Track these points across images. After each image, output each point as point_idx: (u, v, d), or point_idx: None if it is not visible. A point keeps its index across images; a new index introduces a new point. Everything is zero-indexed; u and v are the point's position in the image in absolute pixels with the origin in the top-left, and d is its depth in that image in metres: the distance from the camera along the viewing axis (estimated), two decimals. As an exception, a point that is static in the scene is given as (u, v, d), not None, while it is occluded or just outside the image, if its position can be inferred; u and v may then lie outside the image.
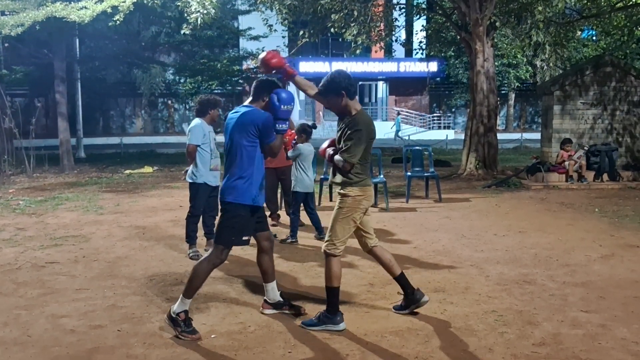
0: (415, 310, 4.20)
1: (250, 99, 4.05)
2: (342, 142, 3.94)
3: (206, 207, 5.98)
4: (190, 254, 5.94)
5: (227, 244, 3.93)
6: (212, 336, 3.84)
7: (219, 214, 4.03)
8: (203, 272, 3.90)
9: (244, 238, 3.96)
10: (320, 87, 3.99)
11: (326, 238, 4.01)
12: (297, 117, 35.09)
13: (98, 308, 4.40)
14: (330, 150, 4.10)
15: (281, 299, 4.28)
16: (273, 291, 4.27)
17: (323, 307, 4.32)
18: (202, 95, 6.15)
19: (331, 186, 9.75)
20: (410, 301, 4.18)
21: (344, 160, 3.88)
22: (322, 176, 9.38)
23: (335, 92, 3.91)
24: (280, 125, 3.94)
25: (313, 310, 4.32)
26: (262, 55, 4.06)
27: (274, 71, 4.07)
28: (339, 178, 4.00)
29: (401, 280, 4.19)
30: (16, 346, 3.69)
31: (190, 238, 6.01)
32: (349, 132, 3.88)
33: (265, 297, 4.31)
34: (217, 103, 5.96)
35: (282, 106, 3.89)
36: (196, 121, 5.87)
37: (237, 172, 3.90)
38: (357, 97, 4.02)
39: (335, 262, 3.95)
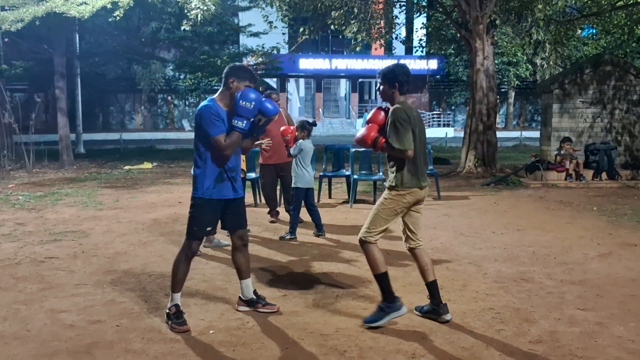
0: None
1: (220, 88, 4.02)
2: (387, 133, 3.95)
3: None
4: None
5: (190, 235, 3.97)
6: (211, 332, 3.85)
7: None
8: (180, 264, 3.97)
9: (208, 229, 4.02)
10: (380, 71, 4.07)
11: (364, 226, 4.00)
12: (296, 114, 35.12)
13: (97, 303, 4.42)
14: (374, 134, 3.99)
15: (254, 297, 4.25)
16: (247, 288, 4.25)
17: (321, 306, 4.35)
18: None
19: (330, 183, 9.78)
20: (433, 312, 4.09)
21: (398, 150, 3.87)
22: (322, 173, 9.40)
23: (390, 82, 4.00)
24: (236, 121, 3.80)
25: (312, 306, 4.34)
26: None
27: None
28: (390, 178, 4.00)
29: (432, 287, 4.10)
30: (15, 340, 3.71)
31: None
32: (389, 123, 3.91)
33: (239, 295, 4.30)
34: None
35: (240, 101, 3.78)
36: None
37: (194, 164, 3.97)
38: (406, 95, 4.06)
39: (373, 248, 3.95)
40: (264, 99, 3.94)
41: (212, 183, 3.91)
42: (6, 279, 5.05)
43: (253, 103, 3.80)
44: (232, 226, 4.16)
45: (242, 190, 4.12)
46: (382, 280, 3.97)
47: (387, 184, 4.05)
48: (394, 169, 3.98)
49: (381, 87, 4.07)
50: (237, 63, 4.19)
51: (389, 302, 3.95)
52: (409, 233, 4.11)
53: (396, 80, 3.98)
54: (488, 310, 4.26)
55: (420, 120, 4.05)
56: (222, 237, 5.91)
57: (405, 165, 3.94)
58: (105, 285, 4.86)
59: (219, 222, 4.16)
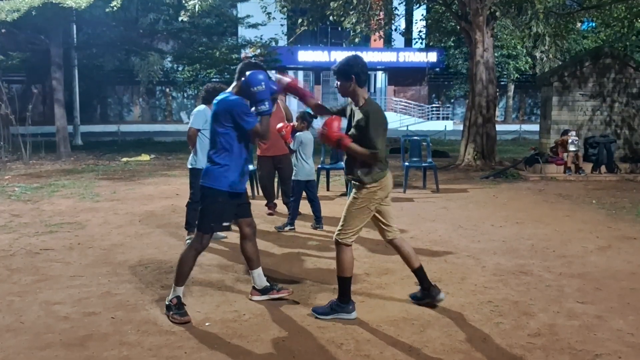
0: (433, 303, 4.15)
1: (234, 82, 4.01)
2: (352, 130, 3.86)
3: None
4: (188, 240, 5.89)
5: (206, 230, 3.93)
6: (207, 324, 3.82)
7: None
8: (188, 258, 3.93)
9: (224, 224, 3.97)
10: (333, 68, 3.96)
11: (338, 227, 3.96)
12: (295, 107, 35.03)
13: (92, 295, 4.38)
14: (340, 133, 3.85)
15: (268, 284, 4.27)
16: (259, 277, 4.26)
17: (318, 294, 4.32)
18: (209, 84, 6.03)
19: (328, 175, 9.74)
20: (426, 296, 4.14)
21: (373, 153, 3.78)
22: (319, 165, 9.36)
23: (346, 77, 3.88)
24: (260, 107, 3.83)
25: (309, 298, 4.31)
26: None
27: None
28: (357, 173, 3.89)
29: (419, 273, 4.13)
30: (9, 332, 3.67)
31: (189, 225, 5.95)
32: (362, 124, 3.79)
33: (253, 284, 4.29)
34: (219, 91, 5.83)
35: (251, 88, 3.79)
36: (201, 107, 5.82)
37: (214, 159, 3.91)
38: (366, 87, 3.96)
39: (346, 251, 3.92)
40: (250, 77, 3.91)
41: (238, 176, 3.91)
42: (1, 270, 5.01)
43: (263, 83, 3.82)
44: (242, 215, 4.16)
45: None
46: (345, 283, 3.95)
47: (355, 182, 3.94)
48: (362, 166, 3.87)
49: (338, 84, 3.93)
50: (252, 61, 4.19)
51: (343, 303, 3.92)
52: (383, 226, 4.07)
53: (352, 72, 3.84)
54: (487, 303, 4.23)
55: (382, 111, 3.97)
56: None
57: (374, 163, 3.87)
58: (100, 277, 4.83)
59: None
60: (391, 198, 4.13)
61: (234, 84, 3.98)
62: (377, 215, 4.02)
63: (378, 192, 3.92)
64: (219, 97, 3.94)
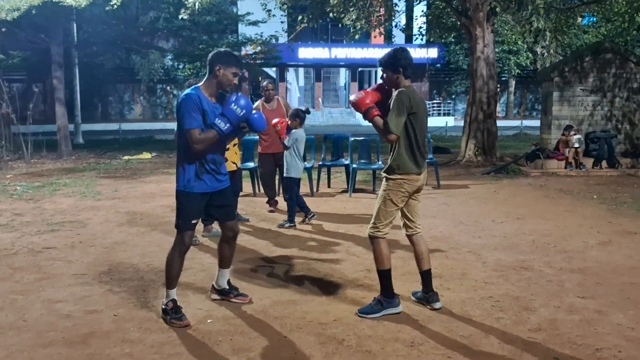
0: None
1: (206, 75, 3.87)
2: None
3: None
4: (204, 235, 5.97)
5: (178, 227, 3.92)
6: (209, 321, 3.83)
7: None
8: (174, 260, 3.87)
9: (193, 222, 3.91)
10: (380, 59, 3.99)
11: (371, 222, 3.98)
12: (296, 104, 34.99)
13: (94, 293, 4.40)
14: (369, 104, 3.92)
15: (227, 287, 4.22)
16: (222, 278, 4.21)
17: (319, 291, 4.33)
18: (190, 80, 5.87)
19: (329, 172, 9.74)
20: (424, 299, 4.14)
21: (386, 126, 3.82)
22: (321, 162, 9.37)
23: (393, 69, 3.92)
24: (219, 122, 3.64)
25: (310, 294, 4.32)
26: None
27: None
28: (388, 165, 3.94)
29: (425, 276, 4.12)
30: (12, 331, 3.69)
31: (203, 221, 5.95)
32: (392, 102, 3.85)
33: (213, 282, 4.27)
34: None
35: (232, 104, 3.67)
36: None
37: (177, 160, 3.90)
38: (410, 79, 3.98)
39: (382, 244, 3.93)
40: (254, 113, 3.86)
41: (192, 176, 3.81)
42: (3, 269, 5.03)
43: (243, 111, 3.70)
44: (221, 217, 4.12)
45: (227, 181, 4.01)
46: (385, 276, 3.96)
47: (383, 172, 4.00)
48: (392, 154, 3.94)
49: (384, 75, 4.00)
50: (222, 49, 3.96)
51: (389, 297, 3.94)
52: (406, 221, 4.11)
53: (399, 65, 3.91)
54: (487, 299, 4.24)
55: (424, 105, 4.00)
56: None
57: (404, 151, 3.89)
58: (102, 275, 4.84)
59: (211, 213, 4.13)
60: (422, 194, 4.12)
61: (205, 76, 3.83)
62: (403, 208, 4.04)
63: (404, 184, 3.92)
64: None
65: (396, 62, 3.91)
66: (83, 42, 20.28)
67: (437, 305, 4.06)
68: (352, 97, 4.02)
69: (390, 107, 3.85)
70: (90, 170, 12.43)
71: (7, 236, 6.23)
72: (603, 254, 5.46)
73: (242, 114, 3.71)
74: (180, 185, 3.86)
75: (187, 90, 3.77)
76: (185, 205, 3.89)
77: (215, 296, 4.23)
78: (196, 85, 3.82)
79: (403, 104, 3.81)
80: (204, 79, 3.85)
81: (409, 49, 4.30)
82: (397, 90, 3.90)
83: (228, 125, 3.68)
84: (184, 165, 3.82)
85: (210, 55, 3.83)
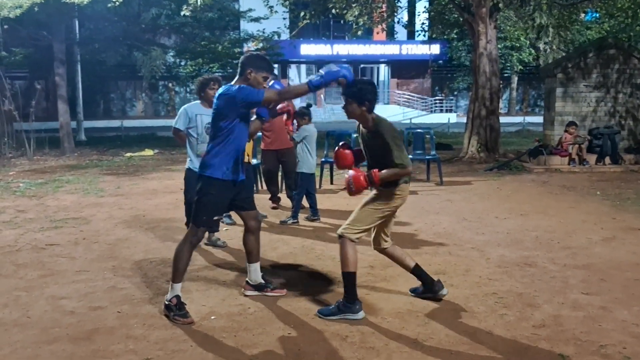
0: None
1: (236, 77, 3.94)
2: (372, 153, 3.86)
3: None
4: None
5: (199, 222, 3.89)
6: (212, 318, 3.84)
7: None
8: (183, 253, 3.87)
9: (215, 218, 3.92)
10: (345, 89, 3.82)
11: (347, 222, 3.92)
12: (298, 100, 34.96)
13: (98, 290, 4.40)
14: (366, 179, 3.83)
15: (263, 281, 4.25)
16: (255, 272, 4.24)
17: (321, 288, 4.33)
18: (200, 77, 5.87)
19: (332, 169, 9.74)
20: (429, 291, 4.13)
21: (402, 167, 3.76)
22: (323, 159, 9.36)
23: (359, 101, 3.80)
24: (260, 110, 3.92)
25: (314, 291, 4.32)
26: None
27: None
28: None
29: (417, 272, 4.13)
30: (16, 327, 3.69)
31: (187, 222, 5.68)
32: (380, 143, 3.77)
33: (247, 278, 4.28)
34: (206, 84, 5.41)
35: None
36: (186, 105, 5.61)
37: (212, 151, 3.87)
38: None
39: (350, 246, 3.87)
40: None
41: (231, 165, 3.85)
42: (7, 265, 5.04)
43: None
44: (243, 208, 4.15)
45: (244, 173, 4.08)
46: (350, 279, 3.88)
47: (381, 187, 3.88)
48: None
49: (346, 105, 3.85)
50: (254, 52, 4.13)
51: (349, 302, 3.85)
52: (382, 235, 4.06)
53: (366, 99, 3.78)
54: (491, 295, 4.24)
55: (392, 124, 3.95)
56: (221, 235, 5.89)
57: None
58: (106, 272, 4.85)
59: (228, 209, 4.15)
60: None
61: (237, 78, 3.92)
62: (383, 224, 4.00)
63: (397, 200, 3.90)
64: (220, 91, 3.87)
65: (364, 95, 3.79)
66: (85, 39, 20.27)
67: (444, 291, 4.09)
68: (348, 188, 3.90)
69: (388, 141, 3.74)
70: (92, 167, 12.44)
71: (10, 233, 6.24)
72: (607, 250, 5.45)
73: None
74: (218, 174, 3.82)
75: (230, 85, 3.85)
76: (215, 197, 3.86)
77: (250, 292, 4.23)
78: (230, 84, 3.90)
79: (396, 137, 3.76)
80: (236, 80, 3.92)
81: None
82: (375, 128, 3.80)
83: (265, 113, 3.95)
84: (223, 155, 3.83)
85: (242, 57, 3.97)
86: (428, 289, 4.13)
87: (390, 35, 27.37)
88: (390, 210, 3.93)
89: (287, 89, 3.88)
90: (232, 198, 3.99)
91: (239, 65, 3.91)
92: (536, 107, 38.92)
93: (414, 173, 10.19)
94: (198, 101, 5.56)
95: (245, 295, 4.22)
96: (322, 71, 3.70)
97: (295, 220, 6.63)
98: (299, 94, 3.84)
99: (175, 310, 3.79)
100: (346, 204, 7.87)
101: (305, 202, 6.98)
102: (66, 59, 16.48)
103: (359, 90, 3.80)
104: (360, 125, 3.95)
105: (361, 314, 3.84)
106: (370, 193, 3.98)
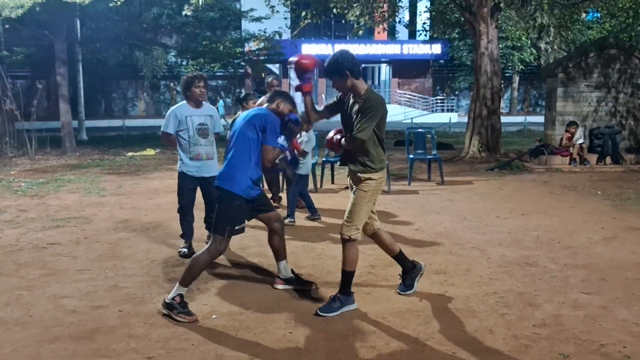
0: (418, 290, 4.25)
1: (266, 103, 4.14)
2: (355, 123, 3.83)
3: (205, 200, 5.49)
4: (183, 249, 5.36)
5: (223, 232, 3.89)
6: (214, 317, 3.85)
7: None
8: (202, 262, 3.89)
9: (237, 227, 3.95)
10: (324, 69, 3.87)
11: (347, 222, 3.93)
12: (299, 99, 34.92)
13: (99, 289, 4.42)
14: (337, 136, 4.06)
15: (292, 276, 4.43)
16: (285, 269, 4.41)
17: (322, 286, 4.33)
18: (184, 75, 5.51)
19: (333, 168, 9.74)
20: (414, 272, 4.27)
21: (353, 139, 3.80)
22: (324, 159, 9.36)
23: (339, 74, 3.82)
24: (283, 140, 4.02)
25: (315, 290, 4.33)
26: (295, 58, 4.01)
27: (304, 73, 3.98)
28: (359, 166, 3.90)
29: (400, 258, 4.26)
30: (17, 326, 3.71)
31: (182, 233, 5.50)
32: (362, 111, 3.78)
33: (278, 275, 4.43)
34: (190, 82, 5.20)
35: (290, 123, 4.03)
36: (173, 107, 5.38)
37: (234, 162, 3.92)
38: (361, 78, 3.93)
39: (354, 247, 3.93)
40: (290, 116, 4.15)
41: (251, 183, 3.96)
42: (8, 265, 5.05)
43: (298, 129, 4.19)
44: (264, 210, 4.31)
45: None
46: (350, 277, 3.98)
47: (363, 175, 3.90)
48: (365, 156, 3.86)
49: (333, 84, 3.90)
50: (284, 91, 4.45)
51: (346, 295, 3.96)
52: (372, 215, 4.11)
53: (344, 68, 3.79)
54: (492, 295, 4.24)
55: (385, 106, 3.95)
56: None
57: (374, 149, 3.86)
58: (107, 271, 4.86)
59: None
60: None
61: (266, 104, 4.11)
62: None
63: (382, 182, 3.98)
64: (256, 110, 4.11)
65: (340, 66, 3.79)
66: (86, 38, 20.28)
67: (421, 264, 4.34)
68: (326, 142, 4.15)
69: (362, 112, 3.77)
70: (94, 166, 12.46)
71: (12, 232, 6.25)
72: (607, 250, 5.45)
73: (295, 133, 4.20)
74: (239, 190, 3.90)
75: (264, 109, 4.06)
76: (237, 211, 3.95)
77: (281, 286, 4.39)
78: (264, 108, 4.11)
79: (377, 114, 3.77)
80: (267, 105, 4.13)
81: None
82: (364, 97, 3.82)
83: (285, 143, 4.09)
84: (247, 172, 3.94)
85: (274, 91, 4.37)
86: (412, 274, 4.27)
87: (392, 35, 27.42)
88: (378, 194, 4.01)
89: (273, 155, 4.00)
90: (252, 207, 4.15)
91: (270, 95, 4.23)
92: (537, 107, 38.89)
93: (416, 172, 10.20)
94: (184, 102, 5.34)
95: (276, 289, 4.36)
96: (280, 140, 4.01)
97: (292, 220, 6.62)
98: (275, 157, 4.05)
99: (179, 308, 3.81)
100: (347, 203, 7.88)
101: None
102: (67, 59, 16.51)
103: (333, 65, 3.83)
104: (351, 95, 3.95)
105: (356, 304, 3.99)
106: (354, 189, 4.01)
